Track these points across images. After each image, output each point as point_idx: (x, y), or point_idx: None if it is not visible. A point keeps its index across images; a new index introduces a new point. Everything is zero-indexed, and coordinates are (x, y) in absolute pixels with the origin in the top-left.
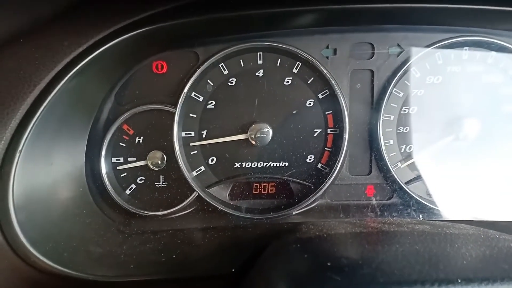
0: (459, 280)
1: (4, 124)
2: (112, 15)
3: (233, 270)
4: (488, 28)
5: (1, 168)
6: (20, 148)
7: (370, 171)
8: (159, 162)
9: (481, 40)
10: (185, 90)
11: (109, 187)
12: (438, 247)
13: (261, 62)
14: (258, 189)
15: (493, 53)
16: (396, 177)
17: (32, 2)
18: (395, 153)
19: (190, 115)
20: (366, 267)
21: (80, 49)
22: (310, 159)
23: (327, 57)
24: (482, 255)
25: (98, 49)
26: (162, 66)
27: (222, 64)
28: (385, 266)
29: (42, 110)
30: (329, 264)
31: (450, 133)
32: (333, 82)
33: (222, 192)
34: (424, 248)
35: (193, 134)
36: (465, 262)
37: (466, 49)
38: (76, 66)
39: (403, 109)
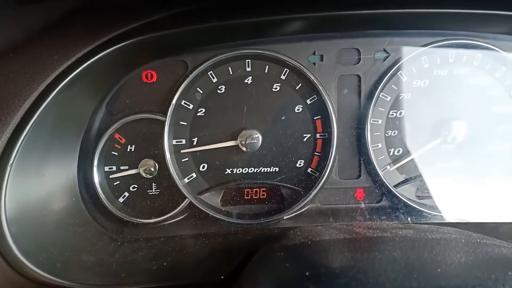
0: None
1: None
2: (101, 27)
3: (222, 277)
4: (474, 31)
5: None
6: (11, 161)
7: (359, 175)
8: (152, 170)
9: (467, 43)
10: (175, 98)
11: (102, 196)
12: (416, 254)
13: (249, 70)
14: (249, 195)
15: (479, 55)
16: (384, 180)
17: (21, 17)
18: (383, 156)
19: (181, 123)
20: (343, 276)
21: (69, 62)
22: (300, 164)
23: (314, 63)
24: (457, 262)
25: (87, 61)
26: (151, 76)
27: (211, 72)
28: (361, 275)
29: (32, 124)
30: (307, 273)
31: (438, 136)
32: (320, 88)
33: (213, 199)
34: (402, 256)
35: (184, 141)
36: (439, 270)
37: (452, 52)
38: (66, 78)
39: (390, 113)
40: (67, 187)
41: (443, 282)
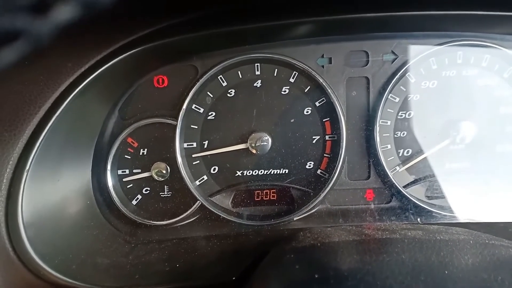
0: None
1: (11, 145)
2: (113, 34)
3: (234, 278)
4: (481, 32)
5: (10, 188)
6: (27, 167)
7: (369, 176)
8: (164, 173)
9: (475, 43)
10: (186, 102)
11: (115, 198)
12: (424, 256)
13: (259, 73)
14: (259, 196)
15: (487, 56)
16: (394, 181)
17: (35, 26)
18: (393, 157)
19: (192, 126)
20: (351, 279)
21: (83, 69)
22: (309, 166)
23: (323, 66)
24: (464, 264)
25: (100, 68)
26: (163, 81)
27: (221, 76)
28: (369, 277)
29: (48, 130)
30: (316, 276)
31: (447, 136)
32: (329, 90)
33: (224, 200)
34: (410, 258)
35: (194, 144)
36: (446, 272)
37: (460, 54)
38: (79, 85)
39: (399, 114)
40: (82, 191)
41: (450, 284)
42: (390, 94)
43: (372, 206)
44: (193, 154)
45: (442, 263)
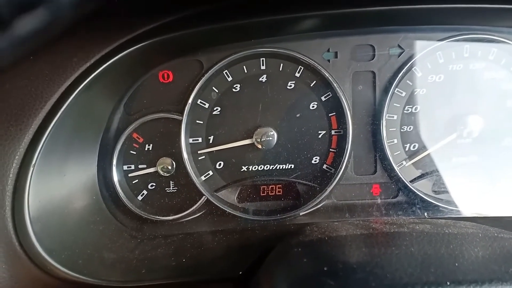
0: (448, 283)
1: (17, 140)
2: (118, 29)
3: (241, 273)
4: (488, 26)
5: (16, 182)
6: (33, 162)
7: (375, 171)
8: (169, 168)
9: (482, 37)
10: (191, 97)
11: (121, 194)
12: (433, 248)
13: (264, 68)
14: (265, 191)
15: (494, 50)
16: (400, 175)
17: (40, 21)
18: (399, 152)
19: (197, 121)
20: (360, 271)
21: (88, 64)
22: (315, 161)
23: (329, 60)
24: (474, 256)
25: (105, 63)
26: (168, 76)
27: (226, 71)
28: (378, 269)
29: (54, 125)
30: (325, 268)
31: (454, 131)
32: (335, 84)
33: (230, 196)
34: (419, 250)
35: (200, 140)
36: (456, 264)
37: (467, 47)
38: (85, 80)
39: (406, 109)
40: (88, 186)
41: (460, 276)
42: (397, 89)
43: (379, 200)
44: (199, 150)
45: (452, 256)
